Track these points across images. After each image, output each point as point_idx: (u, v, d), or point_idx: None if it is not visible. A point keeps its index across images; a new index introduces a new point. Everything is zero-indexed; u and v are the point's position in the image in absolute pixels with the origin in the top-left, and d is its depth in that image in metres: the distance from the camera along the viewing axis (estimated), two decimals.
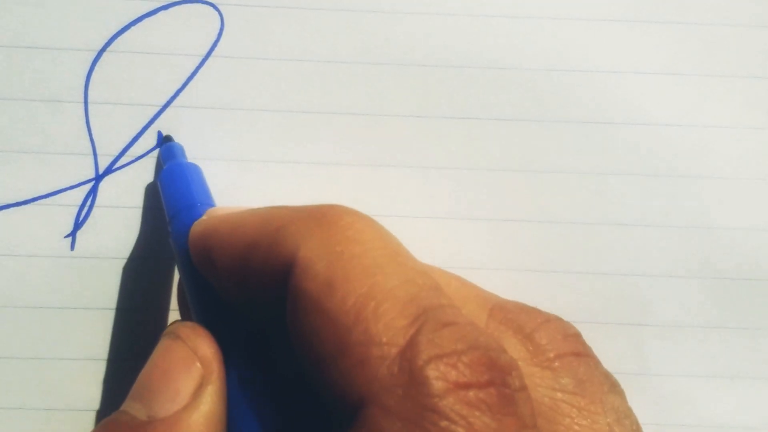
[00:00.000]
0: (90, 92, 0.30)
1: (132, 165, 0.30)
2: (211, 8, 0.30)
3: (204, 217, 0.22)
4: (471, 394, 0.15)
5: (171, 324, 0.21)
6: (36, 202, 0.29)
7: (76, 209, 0.29)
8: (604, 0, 0.31)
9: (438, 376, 0.15)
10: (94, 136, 0.30)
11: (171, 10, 0.30)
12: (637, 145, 0.30)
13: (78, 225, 0.29)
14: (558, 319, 0.20)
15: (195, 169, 0.26)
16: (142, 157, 0.30)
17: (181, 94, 0.30)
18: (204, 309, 0.21)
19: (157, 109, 0.30)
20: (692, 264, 0.30)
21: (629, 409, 0.19)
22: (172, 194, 0.25)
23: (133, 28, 0.30)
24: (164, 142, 0.29)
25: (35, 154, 0.29)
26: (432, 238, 0.30)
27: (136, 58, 0.30)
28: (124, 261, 0.29)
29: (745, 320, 0.30)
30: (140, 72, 0.30)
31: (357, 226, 0.18)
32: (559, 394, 0.18)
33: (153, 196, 0.29)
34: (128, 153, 0.30)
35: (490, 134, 0.30)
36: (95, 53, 0.30)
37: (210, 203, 0.24)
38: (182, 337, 0.20)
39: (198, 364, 0.19)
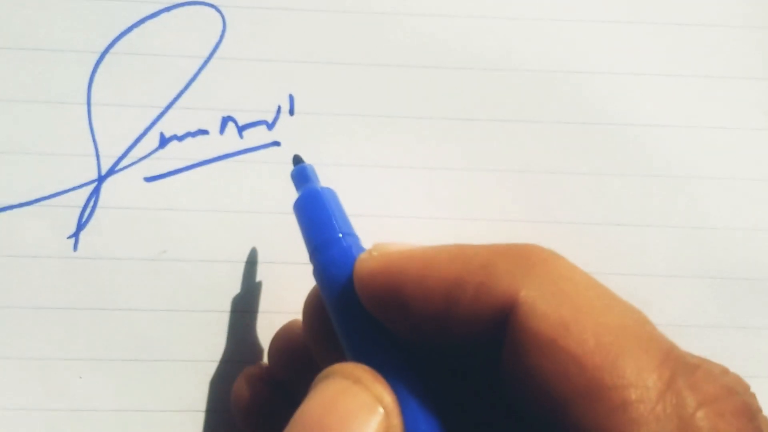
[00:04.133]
0: (93, 94, 0.30)
1: (134, 166, 0.30)
2: (214, 10, 0.30)
3: (373, 254, 0.21)
4: None
5: (340, 365, 0.19)
6: (39, 203, 0.29)
7: (79, 210, 0.29)
8: (603, 2, 0.31)
9: (710, 427, 0.15)
10: (96, 138, 0.30)
11: (173, 11, 0.30)
12: (637, 145, 0.30)
13: (81, 226, 0.29)
14: (730, 371, 0.20)
15: (332, 195, 0.24)
16: (145, 158, 0.30)
17: (184, 96, 0.30)
18: (372, 351, 0.20)
19: (160, 110, 0.30)
20: (692, 264, 0.30)
21: None
22: (312, 225, 0.23)
23: (135, 29, 0.30)
24: (295, 163, 0.27)
25: (38, 155, 0.29)
26: (432, 239, 0.30)
27: (138, 60, 0.30)
28: (126, 261, 0.29)
29: (745, 319, 0.30)
30: (143, 74, 0.30)
31: (563, 264, 0.18)
32: None
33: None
34: (131, 154, 0.30)
35: (490, 135, 0.30)
36: (98, 55, 0.30)
37: (352, 233, 0.23)
38: (363, 381, 0.19)
39: (381, 412, 0.18)
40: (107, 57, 0.30)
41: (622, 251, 0.30)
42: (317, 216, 0.23)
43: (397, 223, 0.30)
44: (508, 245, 0.19)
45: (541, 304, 0.17)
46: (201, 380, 0.29)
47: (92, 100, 0.30)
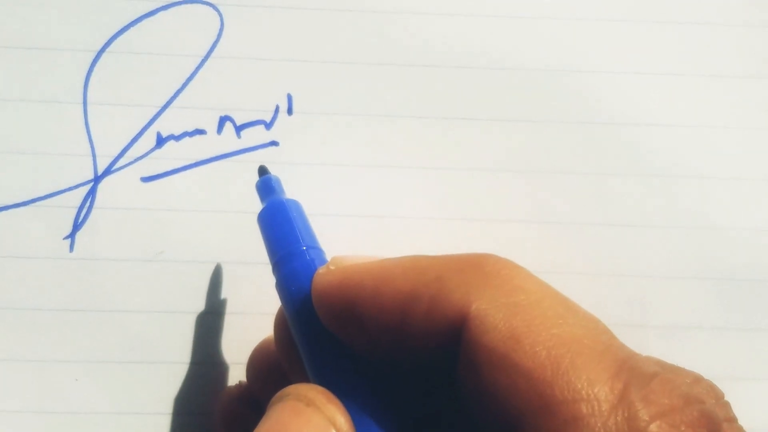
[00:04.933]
0: (89, 93, 0.30)
1: (131, 166, 0.29)
2: (211, 8, 0.30)
3: (330, 267, 0.21)
4: None
5: (295, 386, 0.19)
6: (35, 204, 0.29)
7: (75, 210, 0.29)
8: (605, 0, 0.31)
9: None
10: (93, 137, 0.29)
11: (171, 10, 0.30)
12: (637, 145, 0.30)
13: (77, 226, 0.29)
14: (703, 379, 0.19)
15: (296, 207, 0.24)
16: (142, 158, 0.29)
17: (181, 95, 0.30)
18: (330, 369, 0.20)
19: (157, 109, 0.30)
20: (693, 265, 0.30)
21: None
22: (275, 237, 0.23)
23: (132, 28, 0.30)
24: (261, 174, 0.26)
25: (34, 155, 0.29)
26: (432, 239, 0.30)
27: (135, 59, 0.30)
28: (123, 262, 0.29)
29: (747, 321, 0.30)
30: (140, 72, 0.30)
31: (518, 274, 0.18)
32: None
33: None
34: (127, 154, 0.29)
35: (490, 134, 0.30)
36: (94, 54, 0.30)
37: (317, 246, 0.23)
38: (316, 403, 0.18)
39: None
40: (104, 56, 0.30)
41: (623, 252, 0.30)
42: (281, 228, 0.23)
43: (395, 222, 0.30)
44: (462, 256, 0.19)
45: (493, 317, 0.17)
46: (199, 383, 0.28)
47: (88, 100, 0.30)
